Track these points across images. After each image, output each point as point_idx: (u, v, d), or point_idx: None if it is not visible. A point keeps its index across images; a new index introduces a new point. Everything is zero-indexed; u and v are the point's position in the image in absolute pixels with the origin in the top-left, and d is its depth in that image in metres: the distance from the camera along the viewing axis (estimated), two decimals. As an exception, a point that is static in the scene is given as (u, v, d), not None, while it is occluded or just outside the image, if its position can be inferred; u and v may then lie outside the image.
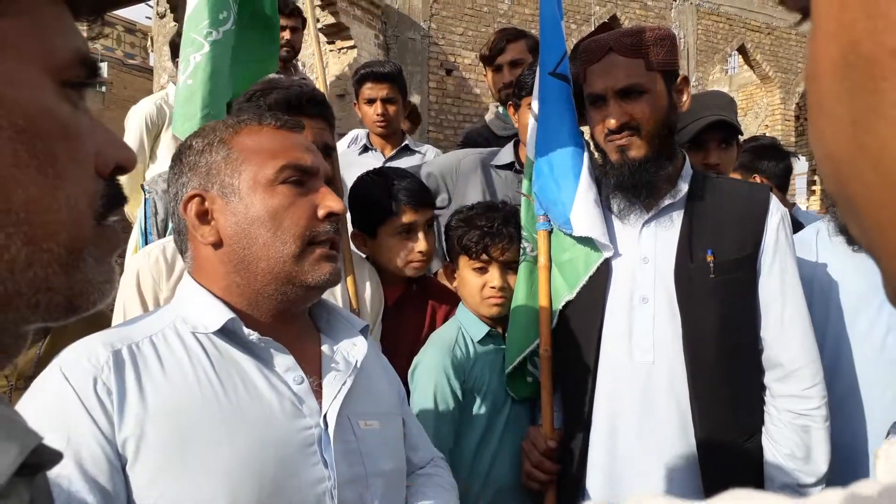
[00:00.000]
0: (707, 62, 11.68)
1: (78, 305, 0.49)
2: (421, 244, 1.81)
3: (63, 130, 0.48)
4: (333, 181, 1.09)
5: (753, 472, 1.54)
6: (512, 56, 2.85)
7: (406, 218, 1.81)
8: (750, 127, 12.66)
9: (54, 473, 0.80)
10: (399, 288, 1.89)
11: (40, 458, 0.48)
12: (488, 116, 3.25)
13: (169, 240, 1.52)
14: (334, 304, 1.17)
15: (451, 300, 1.95)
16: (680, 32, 10.94)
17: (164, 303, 1.41)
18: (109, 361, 0.91)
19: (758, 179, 2.81)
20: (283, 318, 1.04)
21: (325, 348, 1.08)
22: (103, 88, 22.44)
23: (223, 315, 0.97)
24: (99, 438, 0.86)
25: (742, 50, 12.35)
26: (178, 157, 1.07)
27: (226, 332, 0.98)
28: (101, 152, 0.51)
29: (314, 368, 1.05)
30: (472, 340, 1.75)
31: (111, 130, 0.54)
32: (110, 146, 0.52)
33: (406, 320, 1.88)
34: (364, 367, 1.10)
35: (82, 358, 0.91)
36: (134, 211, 3.45)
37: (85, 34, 0.57)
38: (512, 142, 2.50)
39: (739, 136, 2.37)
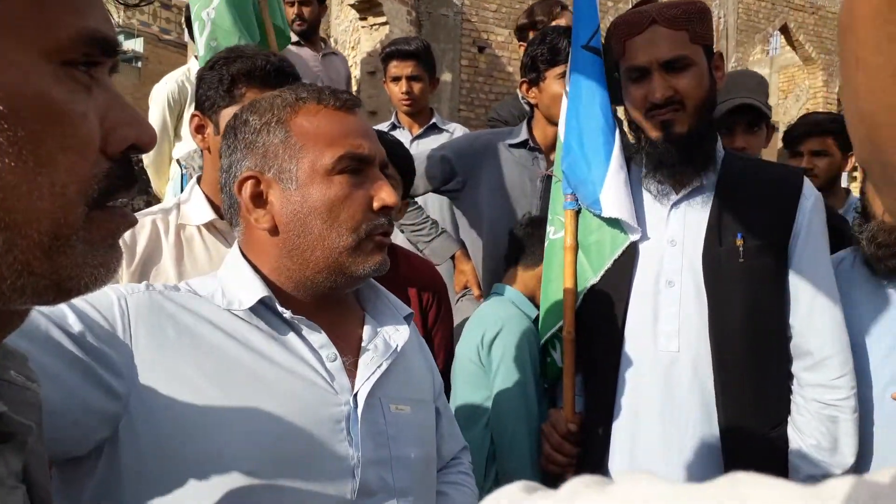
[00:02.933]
0: (747, 42, 11.38)
1: (69, 288, 0.49)
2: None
3: (51, 116, 0.46)
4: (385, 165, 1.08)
5: (778, 462, 1.51)
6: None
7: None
8: (791, 110, 12.34)
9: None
10: None
11: (8, 427, 0.48)
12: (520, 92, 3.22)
13: None
14: (382, 288, 1.17)
15: (429, 277, 1.96)
16: (720, 11, 10.66)
17: None
18: (144, 292, 0.94)
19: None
20: (326, 300, 1.05)
21: (366, 330, 1.08)
22: (139, 64, 22.71)
23: (260, 291, 0.98)
24: (113, 331, 0.88)
25: (784, 30, 11.99)
26: (232, 131, 1.05)
27: (261, 308, 0.99)
28: (114, 131, 0.51)
29: (353, 348, 1.05)
30: (531, 321, 1.83)
31: (131, 108, 0.53)
32: (126, 125, 0.51)
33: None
34: (403, 353, 1.10)
35: (120, 285, 0.95)
36: (162, 188, 3.50)
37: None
38: (525, 120, 2.46)
39: (769, 120, 2.30)
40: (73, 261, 0.49)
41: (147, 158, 3.41)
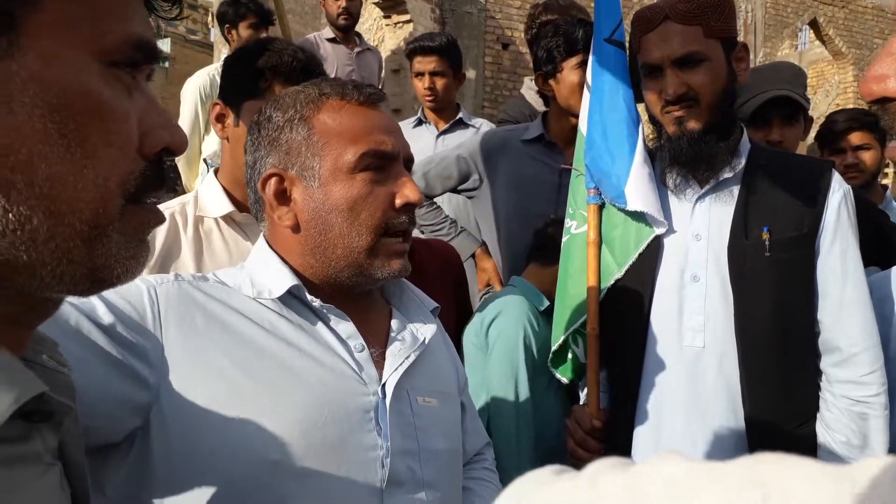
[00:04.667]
0: (776, 37, 11.21)
1: (102, 279, 0.52)
2: None
3: (99, 112, 0.49)
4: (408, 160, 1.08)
5: (805, 460, 1.49)
6: None
7: None
8: (820, 106, 12.13)
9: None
10: None
11: (49, 407, 0.50)
12: (524, 89, 3.21)
13: None
14: (408, 283, 1.17)
15: (451, 260, 1.97)
16: (747, 6, 10.51)
17: None
18: (173, 283, 0.95)
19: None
20: (352, 294, 1.05)
21: (394, 323, 1.09)
22: (166, 64, 22.99)
23: (288, 280, 0.99)
24: (144, 322, 0.89)
25: (814, 24, 11.79)
26: (257, 127, 1.06)
27: (290, 298, 1.00)
28: (150, 133, 0.53)
29: (380, 341, 1.05)
30: (536, 310, 1.85)
31: (166, 113, 0.56)
32: (161, 128, 0.54)
33: None
34: (430, 347, 1.10)
35: (151, 276, 0.96)
36: (192, 183, 3.55)
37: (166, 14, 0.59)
38: (541, 115, 2.45)
39: (807, 112, 2.26)
40: (108, 251, 0.51)
41: None
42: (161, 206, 1.47)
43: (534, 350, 1.80)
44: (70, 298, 0.63)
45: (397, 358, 1.03)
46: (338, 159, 0.99)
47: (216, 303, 0.97)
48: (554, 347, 1.70)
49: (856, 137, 2.52)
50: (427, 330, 1.10)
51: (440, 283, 1.89)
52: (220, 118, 1.51)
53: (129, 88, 0.52)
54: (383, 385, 1.00)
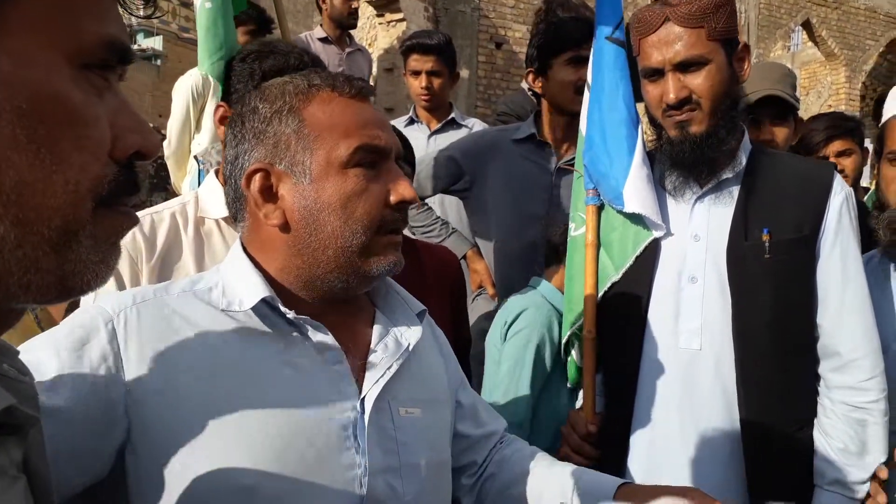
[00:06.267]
0: (768, 38, 11.24)
1: (71, 287, 0.50)
2: None
3: (70, 116, 0.48)
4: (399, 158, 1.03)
5: (802, 466, 1.47)
6: None
7: None
8: (812, 107, 12.17)
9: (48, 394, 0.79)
10: None
11: (15, 419, 0.48)
12: (525, 85, 3.18)
13: (146, 212, 1.43)
14: (394, 283, 1.12)
15: (449, 264, 1.95)
16: (741, 6, 10.53)
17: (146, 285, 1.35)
18: (132, 308, 0.90)
19: None
20: (335, 300, 1.00)
21: (377, 328, 1.03)
22: (158, 62, 22.89)
23: (261, 291, 0.93)
24: (103, 373, 0.84)
25: (807, 25, 11.83)
26: (240, 119, 1.00)
27: (264, 308, 0.94)
28: (121, 137, 0.52)
29: (362, 350, 1.01)
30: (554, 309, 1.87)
31: (138, 115, 0.54)
32: (133, 131, 0.52)
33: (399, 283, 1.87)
34: (417, 351, 1.05)
35: (106, 302, 0.91)
36: (179, 182, 3.51)
37: (142, 12, 0.57)
38: (532, 114, 2.43)
39: (797, 112, 2.26)
40: (79, 257, 0.49)
41: (168, 150, 3.43)
42: (161, 206, 1.46)
43: (547, 354, 1.79)
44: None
45: (379, 368, 0.98)
46: (330, 153, 0.93)
47: (180, 320, 0.92)
48: (562, 351, 1.69)
49: (837, 145, 2.53)
50: (412, 335, 1.05)
51: (438, 286, 1.87)
52: (224, 120, 1.50)
53: (101, 90, 0.50)
54: (363, 399, 0.95)
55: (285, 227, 0.95)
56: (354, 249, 0.94)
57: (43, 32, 0.46)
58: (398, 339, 1.04)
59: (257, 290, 0.93)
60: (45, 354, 0.83)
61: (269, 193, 0.95)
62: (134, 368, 0.86)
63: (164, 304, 0.93)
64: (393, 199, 0.96)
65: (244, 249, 1.00)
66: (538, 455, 1.20)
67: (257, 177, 0.95)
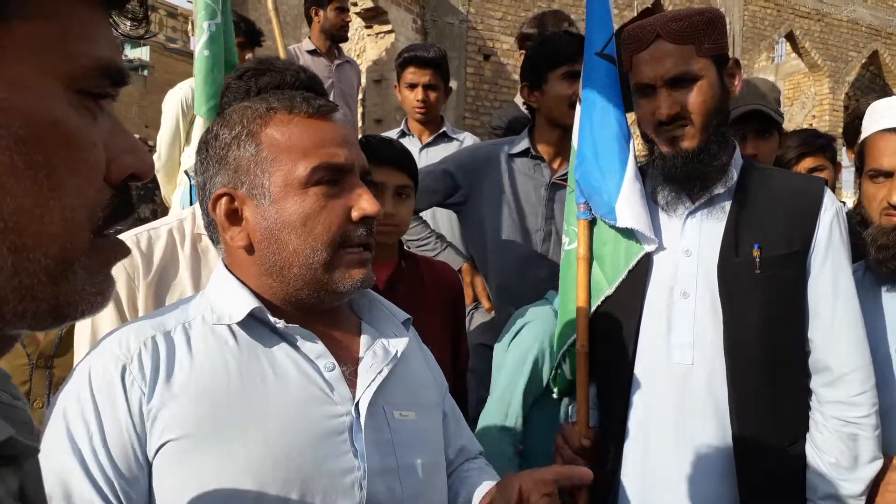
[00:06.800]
0: (753, 50, 11.37)
1: (66, 315, 0.49)
2: (386, 206, 1.73)
3: (67, 142, 0.47)
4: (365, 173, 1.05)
5: (794, 480, 1.48)
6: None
7: (373, 176, 1.80)
8: (796, 117, 12.31)
9: (63, 467, 0.83)
10: (388, 267, 1.83)
11: (14, 451, 0.48)
12: (518, 99, 3.19)
13: (142, 229, 1.44)
14: (376, 295, 1.14)
15: (450, 280, 1.95)
16: (726, 18, 10.66)
17: (143, 304, 1.36)
18: (141, 351, 0.91)
19: None
20: (317, 312, 1.02)
21: (364, 338, 1.05)
22: (145, 72, 22.82)
23: (248, 304, 0.95)
24: (120, 428, 0.86)
25: (790, 37, 11.98)
26: (204, 146, 1.02)
27: (253, 321, 0.96)
28: (116, 160, 0.51)
29: (351, 358, 1.02)
30: None
31: (131, 136, 0.53)
32: (128, 153, 0.52)
33: (399, 299, 1.86)
34: (404, 358, 1.07)
35: (114, 346, 0.92)
36: (170, 196, 3.49)
37: (139, 31, 0.57)
38: (527, 128, 2.44)
39: (781, 126, 2.28)
40: (74, 287, 0.49)
41: (158, 163, 3.41)
42: (158, 223, 1.47)
43: (545, 367, 1.79)
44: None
45: (370, 374, 1.00)
46: (288, 175, 0.95)
47: (178, 339, 0.95)
48: (554, 364, 1.69)
49: (808, 161, 2.58)
50: (399, 342, 1.07)
51: (438, 302, 1.87)
52: None
53: (95, 113, 0.50)
54: (357, 403, 0.97)
55: (250, 248, 0.98)
56: (317, 266, 0.96)
57: (38, 58, 0.46)
58: (386, 346, 1.05)
59: (244, 303, 0.96)
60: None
61: (234, 217, 0.98)
62: (155, 405, 0.89)
63: (159, 330, 0.95)
64: (355, 214, 0.97)
65: (227, 269, 1.02)
66: (483, 472, 1.22)
67: (222, 201, 0.98)
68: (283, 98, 1.01)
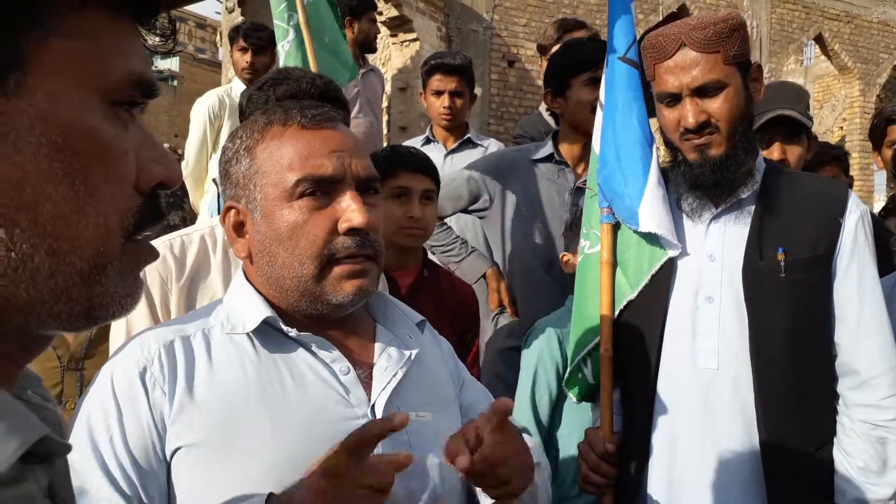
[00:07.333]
0: (781, 52, 11.23)
1: (97, 316, 0.52)
2: (415, 210, 1.82)
3: (101, 151, 0.50)
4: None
5: (823, 485, 1.47)
6: None
7: (401, 181, 1.82)
8: (826, 120, 12.13)
9: (85, 467, 0.86)
10: (412, 273, 1.87)
11: (48, 449, 0.50)
12: (542, 108, 3.20)
13: (176, 234, 1.48)
14: (391, 297, 1.16)
15: (470, 306, 1.99)
16: (753, 21, 10.54)
17: (175, 306, 1.40)
18: (161, 353, 0.95)
19: None
20: (329, 319, 1.03)
21: (379, 341, 1.07)
22: (175, 82, 23.20)
23: (262, 312, 0.98)
24: (141, 426, 0.90)
25: (819, 39, 11.80)
26: (221, 161, 1.07)
27: (268, 329, 0.99)
28: (146, 169, 0.54)
29: (366, 361, 1.04)
30: None
31: (161, 146, 0.56)
32: (157, 163, 0.54)
33: (420, 306, 1.88)
34: (420, 359, 1.08)
35: (135, 349, 0.95)
36: (198, 202, 3.56)
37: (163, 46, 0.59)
38: (550, 134, 2.45)
39: (810, 130, 2.26)
40: (106, 290, 0.51)
41: (186, 171, 3.48)
42: (191, 229, 1.52)
43: (553, 374, 1.81)
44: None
45: (385, 376, 1.02)
46: (275, 188, 0.97)
47: (197, 345, 0.97)
48: (569, 368, 1.68)
49: (823, 172, 2.57)
50: (414, 344, 1.08)
51: (449, 320, 1.89)
52: None
53: (126, 124, 0.53)
54: (373, 406, 0.98)
55: (251, 259, 1.01)
56: (307, 279, 0.97)
57: (74, 72, 0.48)
58: (400, 349, 1.07)
59: (258, 312, 0.98)
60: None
61: (240, 229, 1.02)
62: (166, 410, 0.92)
63: (179, 337, 0.98)
64: (342, 226, 0.97)
65: (246, 277, 1.06)
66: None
67: (230, 214, 1.02)
68: (281, 111, 1.03)
